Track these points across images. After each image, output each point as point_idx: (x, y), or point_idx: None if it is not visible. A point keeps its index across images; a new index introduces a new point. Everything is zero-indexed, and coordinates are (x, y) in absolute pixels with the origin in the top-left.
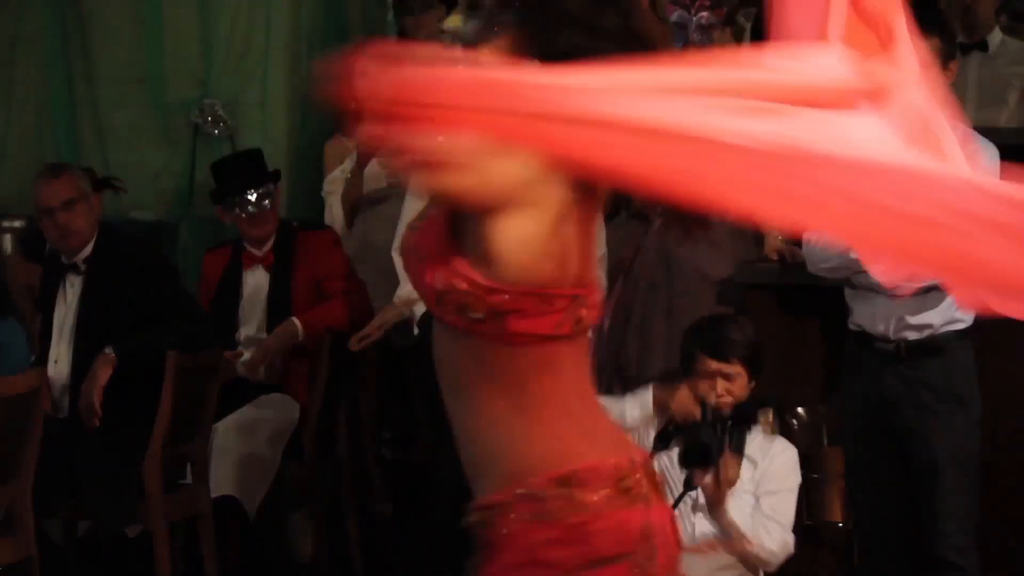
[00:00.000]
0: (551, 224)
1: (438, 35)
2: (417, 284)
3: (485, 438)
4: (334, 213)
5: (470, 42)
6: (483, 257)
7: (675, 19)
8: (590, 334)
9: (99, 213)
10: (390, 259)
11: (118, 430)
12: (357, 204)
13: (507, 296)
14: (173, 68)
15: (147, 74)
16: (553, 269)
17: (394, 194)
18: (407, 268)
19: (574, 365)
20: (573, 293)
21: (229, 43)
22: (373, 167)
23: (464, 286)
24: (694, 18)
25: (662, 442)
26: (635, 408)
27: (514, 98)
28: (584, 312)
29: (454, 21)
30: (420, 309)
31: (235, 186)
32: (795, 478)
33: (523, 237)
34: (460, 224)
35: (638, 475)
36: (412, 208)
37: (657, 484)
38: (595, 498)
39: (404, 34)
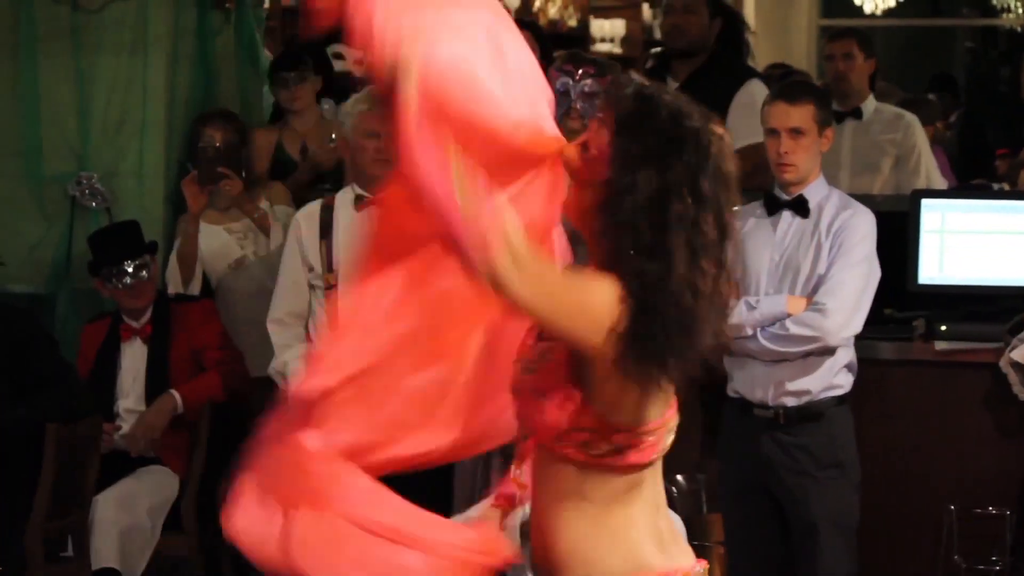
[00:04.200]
0: None
1: (312, 106)
2: (531, 420)
3: (572, 551)
4: (170, 271)
5: (572, 173)
6: (609, 402)
7: (559, 87)
8: None
9: None
10: (257, 331)
11: None
12: (203, 262)
13: (629, 435)
14: (50, 141)
15: (24, 147)
16: (661, 405)
17: (252, 260)
18: (519, 404)
19: (654, 483)
20: (667, 421)
21: (105, 116)
22: (211, 218)
23: (591, 425)
24: (577, 85)
25: None
26: None
27: None
28: (670, 437)
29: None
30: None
31: (112, 257)
32: None
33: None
34: (582, 368)
35: None
36: (288, 273)
37: None
38: None
39: (279, 105)
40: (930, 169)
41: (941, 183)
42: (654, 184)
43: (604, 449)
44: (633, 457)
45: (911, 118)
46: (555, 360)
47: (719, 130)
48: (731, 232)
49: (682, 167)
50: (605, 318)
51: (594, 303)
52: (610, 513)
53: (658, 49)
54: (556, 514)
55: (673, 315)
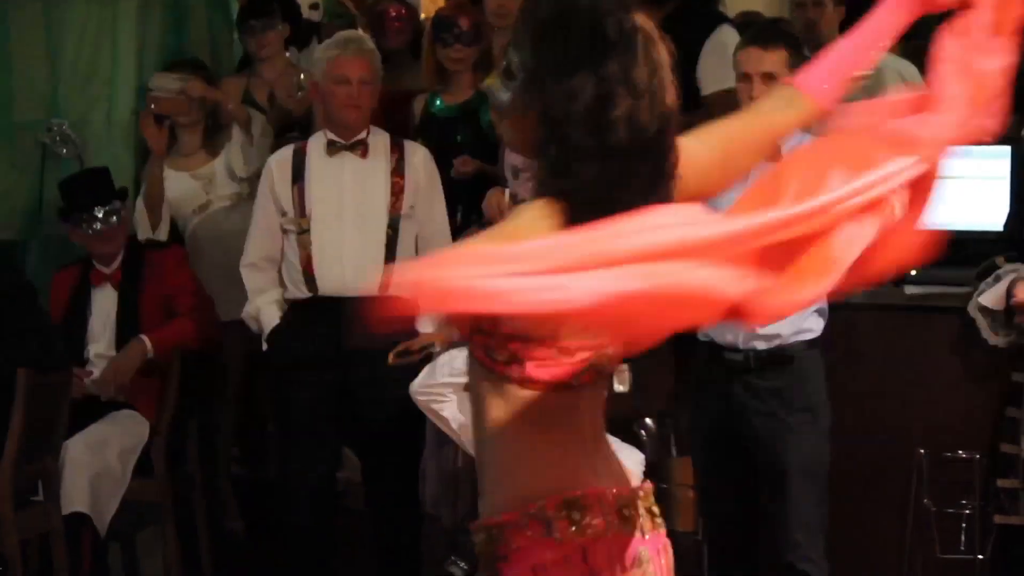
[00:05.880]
0: None
1: (280, 53)
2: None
3: (499, 462)
4: (137, 216)
5: (502, 112)
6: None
7: None
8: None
9: None
10: (226, 276)
11: None
12: (169, 207)
13: (522, 345)
14: (21, 89)
15: None
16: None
17: (219, 206)
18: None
19: (590, 407)
20: (595, 347)
21: (76, 64)
22: (175, 164)
23: (488, 328)
24: None
25: None
26: None
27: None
28: (606, 362)
29: (491, 80)
30: (269, 324)
31: (82, 203)
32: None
33: None
34: None
35: (638, 505)
36: (261, 218)
37: (656, 515)
38: (596, 522)
39: (248, 53)
40: None
41: None
42: (590, 87)
43: (504, 356)
44: (534, 372)
45: (881, 64)
46: None
47: (641, 18)
48: (670, 119)
49: (614, 64)
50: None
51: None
52: (533, 434)
53: None
54: (482, 429)
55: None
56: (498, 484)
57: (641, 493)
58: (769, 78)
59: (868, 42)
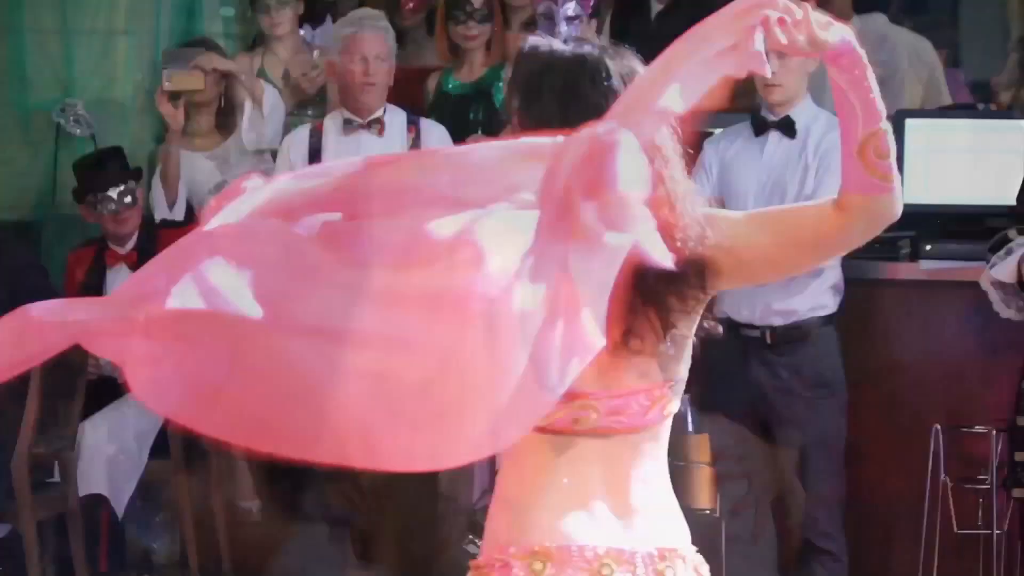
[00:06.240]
0: None
1: (295, 32)
2: None
3: (494, 499)
4: (154, 195)
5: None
6: None
7: (542, 10)
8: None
9: None
10: None
11: None
12: (184, 186)
13: None
14: (35, 69)
15: (9, 75)
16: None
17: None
18: None
19: (604, 457)
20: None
21: (90, 43)
22: (190, 145)
23: None
24: (561, 9)
25: None
26: None
27: None
28: (595, 414)
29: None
30: None
31: (97, 184)
32: None
33: None
34: None
35: (640, 566)
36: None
37: None
38: (564, 574)
39: (262, 31)
40: (942, 91)
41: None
42: None
43: None
44: None
45: (895, 39)
46: None
47: (621, 64)
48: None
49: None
50: None
51: None
52: (514, 478)
53: None
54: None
55: None
56: (487, 526)
57: (655, 553)
58: (783, 53)
59: (850, 124)
